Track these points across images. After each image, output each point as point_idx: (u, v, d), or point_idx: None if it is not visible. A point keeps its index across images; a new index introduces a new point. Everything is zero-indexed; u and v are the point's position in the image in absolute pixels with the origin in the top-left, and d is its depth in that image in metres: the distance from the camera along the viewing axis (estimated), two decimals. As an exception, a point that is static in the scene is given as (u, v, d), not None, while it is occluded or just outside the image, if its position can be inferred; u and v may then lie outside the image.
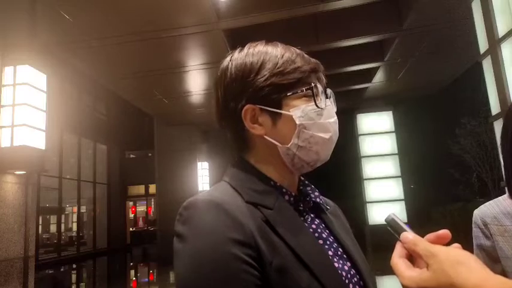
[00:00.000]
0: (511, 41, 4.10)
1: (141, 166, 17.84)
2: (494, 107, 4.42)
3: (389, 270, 0.58)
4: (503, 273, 1.08)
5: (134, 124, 18.16)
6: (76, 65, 8.00)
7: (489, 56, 4.42)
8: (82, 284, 10.90)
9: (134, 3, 5.63)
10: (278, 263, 0.59)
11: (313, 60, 0.75)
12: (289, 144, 0.70)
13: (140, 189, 19.10)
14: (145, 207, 20.50)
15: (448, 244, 0.54)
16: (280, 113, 0.70)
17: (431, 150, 11.79)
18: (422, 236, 0.56)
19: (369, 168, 11.94)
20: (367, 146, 12.11)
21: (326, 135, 0.71)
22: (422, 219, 9.77)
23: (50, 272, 11.92)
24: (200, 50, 7.44)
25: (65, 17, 5.59)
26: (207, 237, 0.59)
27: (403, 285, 0.53)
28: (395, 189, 11.65)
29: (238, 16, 6.24)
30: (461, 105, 10.45)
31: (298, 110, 0.70)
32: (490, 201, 1.19)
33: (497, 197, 1.19)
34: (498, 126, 4.30)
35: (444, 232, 0.55)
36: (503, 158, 1.13)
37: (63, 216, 14.79)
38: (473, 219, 1.19)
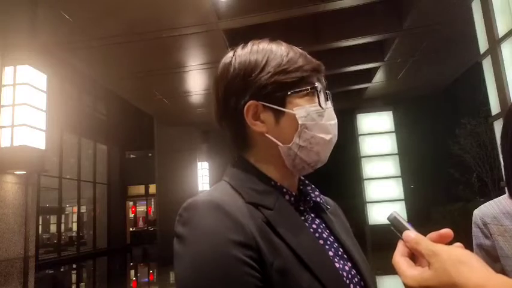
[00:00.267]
0: (511, 41, 4.10)
1: (141, 166, 17.83)
2: (494, 107, 4.42)
3: (389, 270, 0.58)
4: (503, 273, 1.08)
5: (134, 124, 18.16)
6: (76, 65, 8.00)
7: (489, 56, 4.42)
8: (82, 284, 10.89)
9: (134, 3, 5.63)
10: (279, 264, 0.59)
11: (315, 60, 0.75)
12: (290, 144, 0.70)
13: (140, 189, 19.10)
14: (145, 207, 20.49)
15: (450, 243, 0.54)
16: (283, 111, 0.70)
17: (431, 150, 11.79)
18: (424, 235, 0.56)
19: (369, 168, 11.94)
20: (367, 146, 12.11)
21: (327, 137, 0.71)
22: (422, 219, 9.77)
23: (50, 272, 11.92)
24: (200, 50, 7.44)
25: (65, 17, 5.59)
26: (207, 238, 0.58)
27: (404, 284, 0.53)
28: (395, 189, 11.66)
29: (238, 16, 6.24)
30: (461, 105, 10.45)
31: (302, 110, 0.70)
32: (490, 201, 1.19)
33: (497, 197, 1.19)
34: (498, 126, 4.30)
35: (446, 231, 0.55)
36: (503, 158, 1.14)
37: (63, 216, 14.79)
38: (473, 219, 1.20)
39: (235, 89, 0.72)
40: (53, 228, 15.07)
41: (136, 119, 17.54)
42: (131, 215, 19.89)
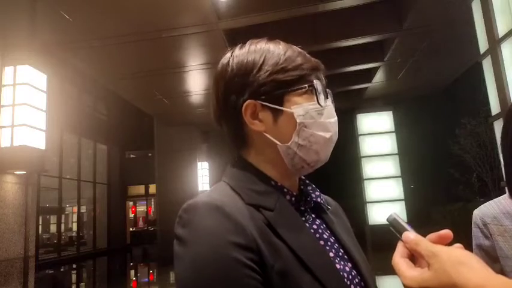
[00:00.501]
0: (511, 41, 4.10)
1: (141, 166, 17.83)
2: (494, 107, 4.42)
3: (389, 270, 0.58)
4: (502, 273, 1.08)
5: (134, 124, 18.16)
6: (76, 65, 8.00)
7: (489, 56, 4.42)
8: (82, 284, 10.89)
9: (134, 3, 5.63)
10: (280, 267, 0.59)
11: (314, 59, 0.75)
12: (289, 143, 0.69)
13: (140, 189, 19.10)
14: (145, 207, 20.49)
15: (449, 244, 0.54)
16: (282, 110, 0.70)
17: (431, 150, 11.79)
18: (424, 236, 0.56)
19: (369, 168, 11.94)
20: (367, 146, 12.11)
21: (326, 135, 0.71)
22: (422, 219, 9.77)
23: (50, 272, 11.92)
24: (200, 50, 7.44)
25: (65, 17, 5.59)
26: (207, 240, 0.58)
27: (404, 285, 0.53)
28: (395, 189, 11.66)
29: (238, 16, 6.24)
30: (461, 105, 10.45)
31: (300, 108, 0.69)
32: (490, 201, 1.19)
33: (497, 197, 1.19)
34: (498, 126, 4.30)
35: (446, 232, 0.55)
36: (504, 158, 1.14)
37: (63, 216, 14.79)
38: (473, 219, 1.20)
39: (234, 89, 0.71)
40: (53, 228, 15.07)
41: (136, 119, 17.55)
42: (131, 215, 19.89)
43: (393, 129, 12.07)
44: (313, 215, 0.74)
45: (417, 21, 6.93)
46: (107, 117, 17.22)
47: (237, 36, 7.06)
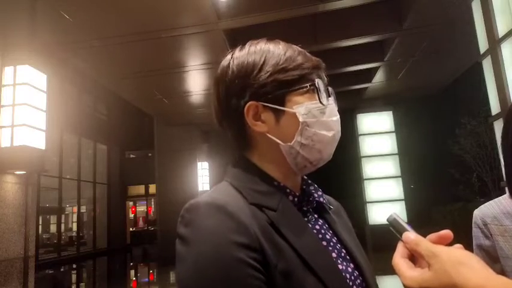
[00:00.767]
0: (511, 41, 4.10)
1: (141, 166, 17.83)
2: (494, 107, 4.42)
3: (389, 271, 0.58)
4: (503, 273, 1.08)
5: (134, 124, 18.17)
6: (76, 65, 8.00)
7: (489, 56, 4.42)
8: (82, 284, 10.89)
9: (134, 3, 5.63)
10: (283, 266, 0.59)
11: (314, 58, 0.74)
12: (291, 142, 0.69)
13: (140, 189, 19.10)
14: (145, 207, 20.49)
15: (450, 244, 0.54)
16: (284, 110, 0.69)
17: (431, 150, 11.78)
18: (424, 236, 0.56)
19: (369, 168, 11.94)
20: (367, 146, 12.11)
21: (329, 133, 0.71)
22: (422, 219, 9.77)
23: (50, 272, 11.92)
24: (200, 50, 7.44)
25: (65, 17, 5.59)
26: (210, 240, 0.57)
27: (404, 286, 0.53)
28: (395, 189, 11.65)
29: (238, 16, 6.24)
30: (461, 105, 10.44)
31: (302, 107, 0.69)
32: (490, 201, 1.19)
33: (497, 197, 1.20)
34: (498, 126, 4.30)
35: (446, 232, 0.55)
36: (504, 158, 1.14)
37: (63, 216, 14.79)
38: (473, 219, 1.20)
39: (235, 91, 0.71)
40: (53, 228, 15.07)
41: (136, 119, 17.56)
42: (131, 215, 19.89)
43: (393, 129, 12.07)
44: (315, 215, 0.74)
45: (417, 21, 6.93)
46: (107, 117, 17.21)
47: (237, 36, 7.06)
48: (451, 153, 9.45)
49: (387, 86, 10.91)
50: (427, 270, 0.51)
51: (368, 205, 11.73)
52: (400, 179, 11.71)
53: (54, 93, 6.14)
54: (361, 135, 12.18)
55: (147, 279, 10.52)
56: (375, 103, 12.14)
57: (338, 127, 0.73)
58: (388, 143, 11.99)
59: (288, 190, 0.71)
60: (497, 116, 4.34)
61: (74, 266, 13.42)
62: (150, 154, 16.90)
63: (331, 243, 0.70)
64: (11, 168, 3.96)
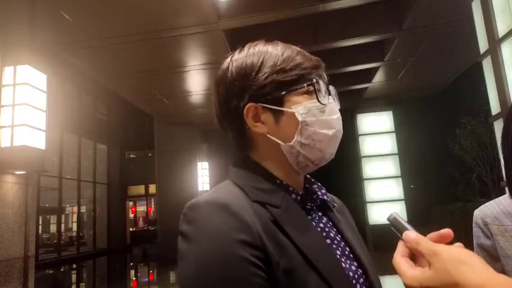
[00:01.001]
0: (511, 41, 4.10)
1: (141, 166, 17.84)
2: (494, 107, 4.41)
3: (390, 270, 0.58)
4: (503, 272, 1.08)
5: (134, 124, 18.16)
6: (76, 65, 8.00)
7: (489, 56, 4.41)
8: (82, 284, 10.89)
9: (134, 4, 5.63)
10: (285, 264, 0.59)
11: (314, 57, 0.75)
12: (292, 142, 0.69)
13: (140, 189, 19.10)
14: (145, 207, 20.50)
15: (450, 243, 0.54)
16: (283, 111, 0.70)
17: (431, 150, 11.78)
18: (424, 236, 0.56)
19: (369, 168, 11.93)
20: (367, 146, 12.10)
21: (329, 132, 0.71)
22: (422, 219, 9.77)
23: (50, 272, 11.92)
24: (200, 50, 7.43)
25: (65, 17, 5.59)
26: (213, 238, 0.57)
27: (405, 285, 0.53)
28: (395, 189, 11.65)
29: (238, 16, 6.24)
30: (461, 105, 10.44)
31: (301, 107, 0.69)
32: (490, 201, 1.19)
33: (497, 197, 1.20)
34: (498, 126, 4.30)
35: (447, 231, 0.55)
36: (504, 158, 1.13)
37: (63, 216, 14.79)
38: (473, 219, 1.20)
39: (235, 93, 0.72)
40: (53, 228, 15.08)
41: (136, 119, 17.55)
42: (131, 215, 19.89)
43: (393, 129, 12.06)
44: (319, 213, 0.74)
45: (417, 21, 6.93)
46: (107, 117, 17.21)
47: (237, 36, 7.05)
48: (451, 153, 9.45)
49: (387, 86, 10.90)
50: (427, 269, 0.51)
51: (368, 205, 11.72)
52: (400, 179, 11.71)
53: (54, 93, 6.14)
54: (361, 135, 12.17)
55: (147, 279, 10.52)
56: (375, 103, 12.14)
57: (339, 125, 0.73)
58: (388, 143, 11.98)
59: (290, 188, 0.71)
60: (497, 116, 4.34)
61: (74, 266, 13.42)
62: (150, 154, 16.91)
63: (335, 242, 0.70)
64: (11, 168, 3.95)
